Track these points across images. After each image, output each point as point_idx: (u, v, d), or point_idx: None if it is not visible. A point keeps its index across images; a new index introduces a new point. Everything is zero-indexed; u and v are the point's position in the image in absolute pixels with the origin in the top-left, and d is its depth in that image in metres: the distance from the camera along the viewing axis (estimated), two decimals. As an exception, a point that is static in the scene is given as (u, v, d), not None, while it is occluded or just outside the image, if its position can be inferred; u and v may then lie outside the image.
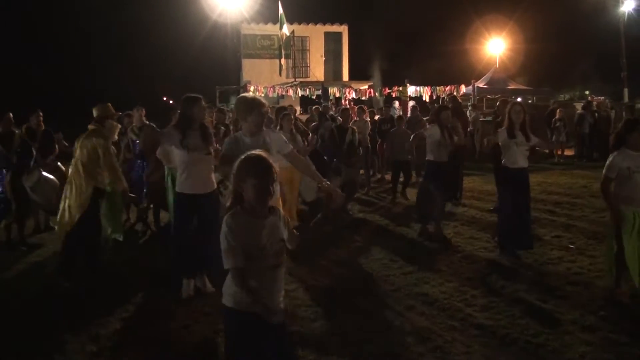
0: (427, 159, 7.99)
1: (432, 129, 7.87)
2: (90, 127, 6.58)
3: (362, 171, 12.08)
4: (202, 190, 5.64)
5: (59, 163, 9.21)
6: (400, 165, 11.22)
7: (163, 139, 5.90)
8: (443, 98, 21.23)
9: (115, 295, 5.81)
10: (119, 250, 7.58)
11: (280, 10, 24.27)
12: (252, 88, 21.58)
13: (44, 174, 7.88)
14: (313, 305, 5.48)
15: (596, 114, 17.95)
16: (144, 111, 9.67)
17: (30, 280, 6.66)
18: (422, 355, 4.40)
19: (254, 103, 4.86)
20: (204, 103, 5.82)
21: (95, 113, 6.73)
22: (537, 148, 7.76)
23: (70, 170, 6.56)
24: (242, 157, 3.02)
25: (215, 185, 5.81)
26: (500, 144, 6.98)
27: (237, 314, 3.04)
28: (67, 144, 8.91)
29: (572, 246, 7.27)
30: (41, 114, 9.38)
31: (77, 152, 6.45)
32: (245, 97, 5.12)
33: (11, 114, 8.37)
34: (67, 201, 6.40)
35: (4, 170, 7.92)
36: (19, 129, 8.53)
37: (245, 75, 28.62)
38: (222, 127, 9.22)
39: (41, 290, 6.20)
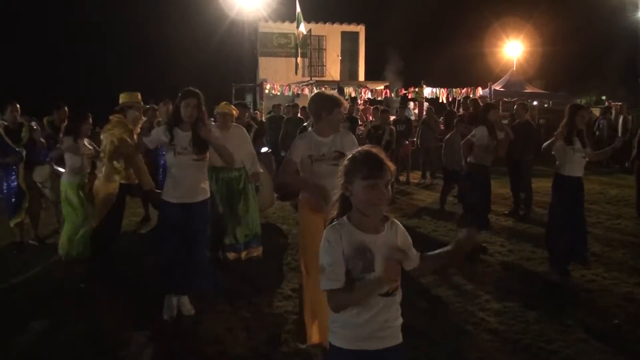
0: (469, 161, 7.52)
1: (479, 130, 7.38)
2: (113, 117, 6.15)
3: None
4: (190, 199, 5.05)
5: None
6: (457, 175, 9.98)
7: (148, 139, 5.36)
8: (459, 100, 21.18)
9: (124, 294, 5.76)
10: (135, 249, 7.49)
11: (298, 9, 24.26)
12: (268, 86, 21.61)
13: (57, 168, 7.38)
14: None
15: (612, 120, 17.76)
16: (171, 106, 8.93)
17: (41, 281, 6.43)
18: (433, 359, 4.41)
19: (334, 101, 4.44)
20: (197, 99, 5.00)
21: (121, 99, 6.31)
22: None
23: (98, 165, 6.36)
24: (354, 152, 2.56)
25: (208, 194, 5.28)
26: (556, 150, 6.49)
27: (345, 354, 2.53)
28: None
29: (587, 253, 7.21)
30: (65, 108, 8.77)
31: (103, 144, 6.11)
32: (324, 93, 4.63)
33: (17, 105, 7.87)
34: (97, 196, 6.18)
35: (14, 166, 7.66)
36: (35, 120, 8.39)
37: (262, 73, 28.64)
38: (254, 124, 8.71)
39: (51, 291, 6.00)
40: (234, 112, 6.99)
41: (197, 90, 5.06)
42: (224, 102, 6.99)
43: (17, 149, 7.57)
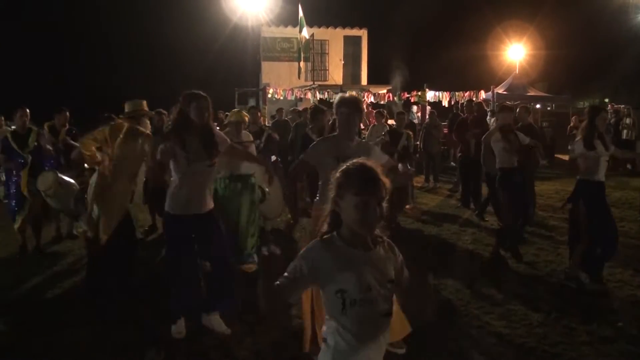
0: (497, 167, 7.36)
1: (495, 134, 7.27)
2: (122, 122, 5.83)
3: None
4: (201, 210, 4.73)
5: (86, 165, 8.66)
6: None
7: (159, 145, 4.72)
8: (462, 104, 21.17)
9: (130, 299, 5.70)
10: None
11: (301, 14, 24.30)
12: (270, 90, 21.64)
13: (61, 176, 7.10)
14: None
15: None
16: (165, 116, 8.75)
17: (45, 293, 6.18)
18: (438, 363, 4.42)
19: (338, 102, 4.43)
20: (208, 102, 4.75)
21: (127, 108, 5.95)
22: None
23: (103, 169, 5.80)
24: (343, 167, 2.36)
25: (213, 204, 4.94)
26: (576, 155, 6.19)
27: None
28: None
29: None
30: (68, 113, 8.88)
31: (115, 152, 5.64)
32: (345, 96, 4.56)
33: (27, 109, 7.76)
34: (100, 205, 5.69)
35: (14, 172, 7.55)
36: (39, 127, 8.10)
37: (264, 78, 28.70)
38: (266, 129, 8.64)
39: (58, 304, 5.86)
40: (246, 118, 6.95)
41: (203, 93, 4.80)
42: (236, 110, 6.93)
43: (22, 155, 7.48)
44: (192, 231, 4.73)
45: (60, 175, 7.08)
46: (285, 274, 2.28)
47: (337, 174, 2.35)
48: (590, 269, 6.09)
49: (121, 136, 5.61)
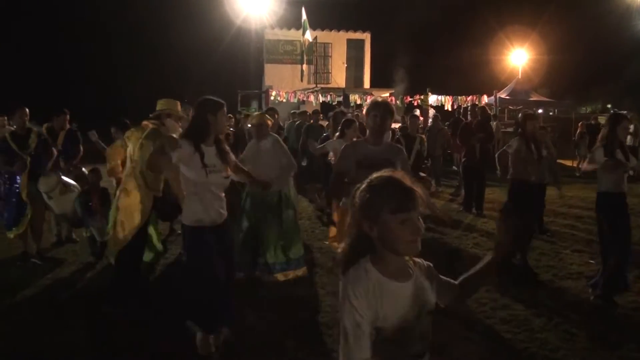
0: (510, 177, 7.03)
1: (515, 142, 6.92)
2: (147, 123, 5.49)
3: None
4: (218, 220, 4.53)
5: (83, 169, 8.34)
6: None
7: (177, 153, 4.33)
8: (465, 108, 21.19)
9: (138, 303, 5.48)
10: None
11: (304, 17, 24.37)
12: (273, 93, 21.67)
13: (64, 179, 7.02)
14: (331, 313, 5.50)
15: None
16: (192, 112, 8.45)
17: (44, 302, 5.90)
18: (439, 367, 4.41)
19: (369, 105, 4.42)
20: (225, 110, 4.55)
21: (159, 106, 5.62)
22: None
23: (123, 176, 5.57)
24: (370, 179, 2.07)
25: (226, 213, 4.69)
26: (600, 166, 5.79)
27: None
28: (104, 146, 7.82)
29: (592, 261, 7.19)
30: (68, 113, 8.35)
31: (135, 155, 5.34)
32: (377, 100, 4.56)
33: (27, 109, 7.41)
34: (120, 213, 5.35)
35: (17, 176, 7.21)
36: (38, 127, 7.80)
37: (267, 80, 28.74)
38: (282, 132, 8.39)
39: (59, 307, 5.72)
40: (269, 121, 6.70)
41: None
42: (259, 112, 6.69)
43: (22, 156, 7.12)
44: (212, 241, 4.45)
45: (63, 177, 6.95)
46: (347, 340, 1.96)
47: (363, 192, 2.05)
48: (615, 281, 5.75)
49: (141, 139, 5.33)
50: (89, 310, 5.54)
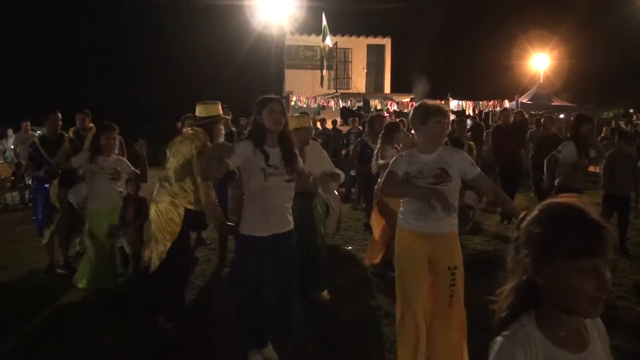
0: (556, 183, 6.75)
1: (567, 147, 6.61)
2: (188, 130, 5.10)
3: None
4: (279, 229, 4.14)
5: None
6: (623, 203, 7.66)
7: (234, 155, 3.99)
8: (487, 113, 21.09)
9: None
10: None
11: (324, 22, 24.40)
12: (294, 98, 21.71)
13: None
14: (358, 320, 5.44)
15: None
16: (230, 114, 8.13)
17: (70, 311, 5.85)
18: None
19: (429, 110, 3.91)
20: (281, 106, 4.16)
21: (199, 112, 5.13)
22: None
23: (156, 186, 5.13)
24: (543, 207, 1.58)
25: (293, 223, 4.29)
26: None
27: None
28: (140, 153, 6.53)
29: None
30: (87, 115, 8.38)
31: (169, 162, 4.96)
32: (421, 104, 4.08)
33: (59, 113, 7.07)
34: (153, 225, 4.98)
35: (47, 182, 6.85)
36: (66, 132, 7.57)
37: (288, 86, 28.83)
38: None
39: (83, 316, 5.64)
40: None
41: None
42: (302, 114, 6.18)
43: (52, 163, 6.77)
44: (272, 252, 4.11)
45: None
46: None
47: (533, 225, 1.58)
48: None
49: (175, 146, 4.95)
50: (119, 322, 5.39)
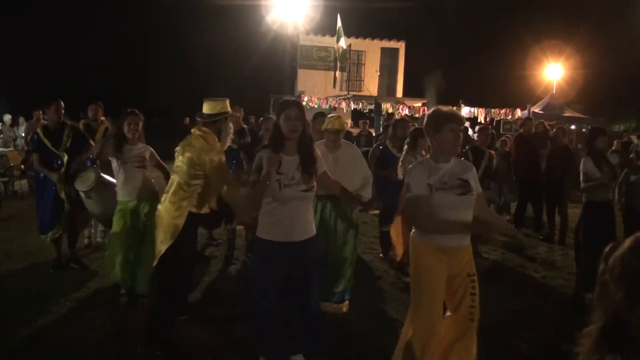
0: (584, 201, 6.41)
1: (585, 164, 6.31)
2: (196, 131, 4.76)
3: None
4: (296, 237, 3.88)
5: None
6: None
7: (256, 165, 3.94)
8: (499, 120, 21.04)
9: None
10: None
11: (339, 24, 24.40)
12: (305, 98, 21.74)
13: (104, 176, 6.26)
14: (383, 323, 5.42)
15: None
16: (242, 112, 7.91)
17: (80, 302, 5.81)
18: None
19: (443, 116, 3.73)
20: (298, 109, 3.87)
21: (206, 109, 4.85)
22: None
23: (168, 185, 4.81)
24: (633, 244, 1.44)
25: (315, 231, 4.04)
26: None
27: None
28: None
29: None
30: (100, 107, 8.15)
31: (177, 162, 4.68)
32: (435, 110, 3.88)
33: (62, 102, 6.86)
34: (158, 224, 4.66)
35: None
36: (73, 121, 7.45)
37: (300, 86, 28.83)
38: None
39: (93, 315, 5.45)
40: (346, 126, 6.00)
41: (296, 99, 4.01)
42: (335, 116, 5.82)
43: (57, 153, 6.66)
44: (287, 259, 3.87)
45: (102, 174, 6.27)
46: None
47: (629, 257, 1.42)
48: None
49: (181, 147, 4.70)
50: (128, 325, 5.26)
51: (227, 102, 4.96)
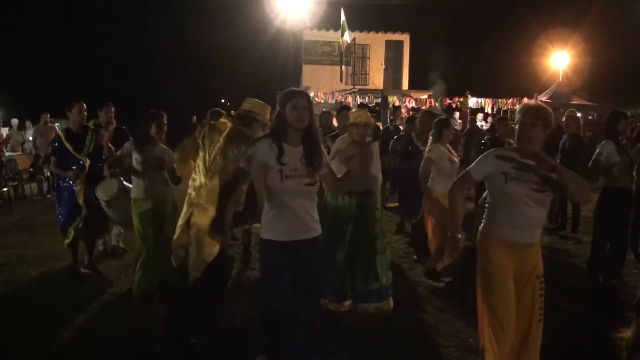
0: (602, 185, 6.38)
1: (606, 147, 6.23)
2: (226, 122, 4.57)
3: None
4: (300, 236, 3.77)
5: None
6: None
7: (255, 155, 3.73)
8: (507, 110, 20.95)
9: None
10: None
11: (343, 18, 24.33)
12: (312, 94, 21.71)
13: (126, 183, 6.09)
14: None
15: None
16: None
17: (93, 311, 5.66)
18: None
19: (527, 109, 3.57)
20: (306, 100, 3.74)
21: (246, 106, 4.65)
22: None
23: (190, 190, 4.53)
24: None
25: (320, 229, 3.92)
26: None
27: None
28: None
29: (636, 271, 7.01)
30: (112, 107, 7.79)
31: (214, 164, 4.37)
32: (529, 104, 3.66)
33: (84, 105, 6.54)
34: (196, 231, 4.34)
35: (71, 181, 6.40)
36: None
37: (305, 81, 28.82)
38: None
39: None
40: (372, 120, 5.76)
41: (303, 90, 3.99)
42: (362, 110, 5.69)
43: (79, 158, 6.38)
44: (288, 259, 3.76)
45: (125, 183, 6.11)
46: None
47: None
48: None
49: (221, 140, 4.42)
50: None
51: (267, 109, 4.75)
